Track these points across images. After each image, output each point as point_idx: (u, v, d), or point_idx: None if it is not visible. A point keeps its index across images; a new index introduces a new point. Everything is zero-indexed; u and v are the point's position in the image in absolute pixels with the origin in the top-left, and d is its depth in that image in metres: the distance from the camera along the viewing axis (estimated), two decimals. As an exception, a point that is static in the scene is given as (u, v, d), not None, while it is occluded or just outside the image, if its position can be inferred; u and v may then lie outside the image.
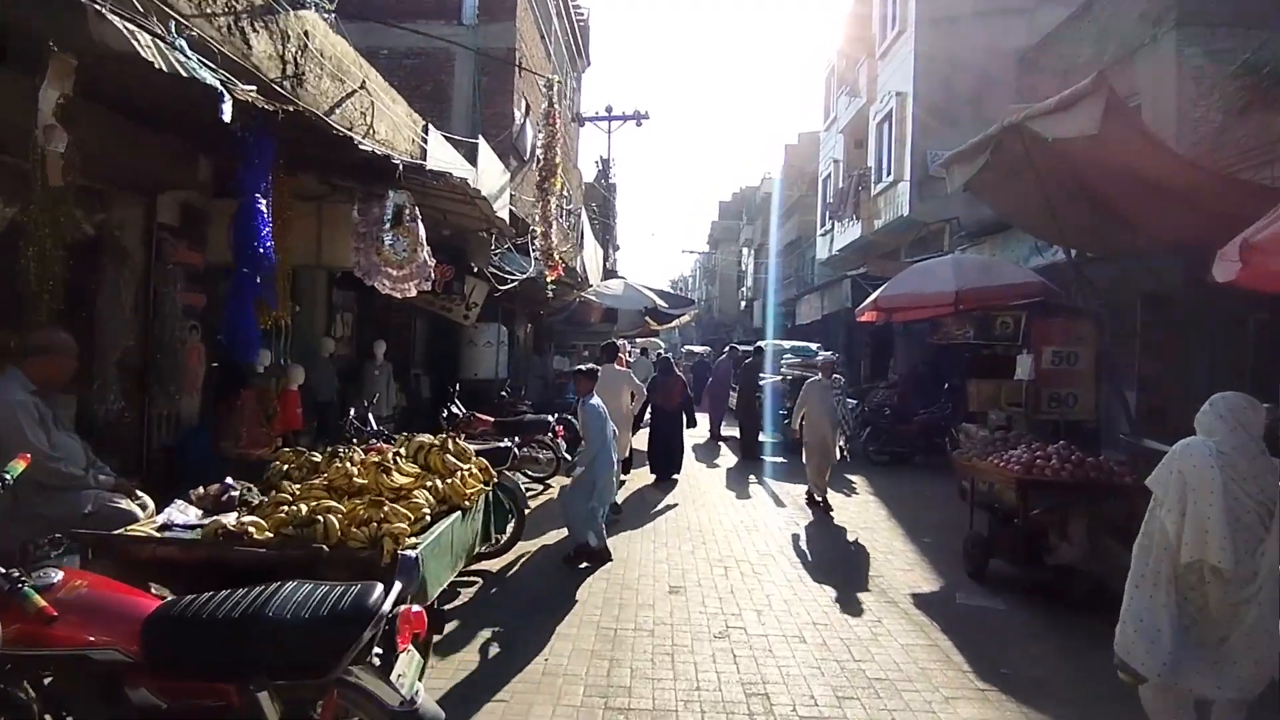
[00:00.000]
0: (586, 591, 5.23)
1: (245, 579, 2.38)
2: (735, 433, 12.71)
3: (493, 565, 5.68)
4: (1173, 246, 6.49)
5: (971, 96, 13.31)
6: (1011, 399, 8.26)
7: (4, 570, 2.09)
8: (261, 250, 4.37)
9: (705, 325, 47.12)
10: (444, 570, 3.34)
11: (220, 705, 2.12)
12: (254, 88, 4.14)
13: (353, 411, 6.13)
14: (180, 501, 3.31)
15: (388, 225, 5.66)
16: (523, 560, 5.96)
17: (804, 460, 8.42)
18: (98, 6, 3.05)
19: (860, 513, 8.20)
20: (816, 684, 3.85)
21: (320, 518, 2.91)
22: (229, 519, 2.99)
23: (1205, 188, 5.17)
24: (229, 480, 3.55)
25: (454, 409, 8.41)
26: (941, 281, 8.49)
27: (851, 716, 3.53)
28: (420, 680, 2.66)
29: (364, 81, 7.06)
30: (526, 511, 6.05)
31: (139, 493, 3.53)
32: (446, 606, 4.68)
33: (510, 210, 8.87)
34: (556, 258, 10.25)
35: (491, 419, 8.51)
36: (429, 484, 3.62)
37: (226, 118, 3.69)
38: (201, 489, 3.52)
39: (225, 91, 3.71)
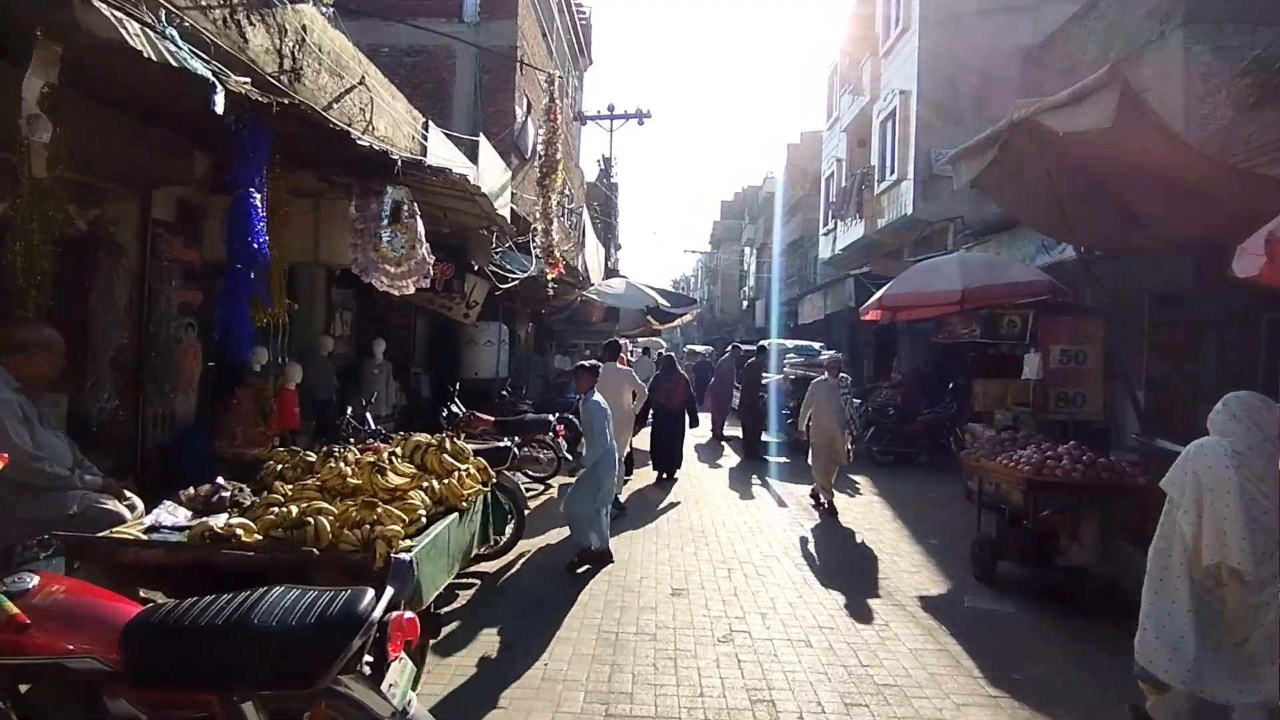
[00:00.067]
0: (587, 594, 5.14)
1: (234, 583, 2.29)
2: (738, 433, 12.61)
3: (491, 567, 5.59)
4: (1182, 244, 6.40)
5: (976, 95, 13.23)
6: (1018, 398, 8.17)
7: (-25, 575, 2.01)
8: (256, 246, 4.28)
9: (707, 325, 47.03)
10: (440, 573, 3.25)
11: (203, 716, 2.02)
12: (248, 79, 4.05)
13: (350, 410, 6.05)
14: (169, 502, 3.22)
15: (385, 221, 5.58)
16: (522, 561, 5.87)
17: (809, 461, 8.31)
18: (83, -8, 2.96)
19: (865, 514, 8.10)
20: (823, 690, 3.75)
21: (311, 519, 2.81)
22: (218, 521, 2.89)
23: (1220, 182, 5.06)
24: (220, 480, 3.45)
25: (454, 408, 8.33)
26: (947, 280, 8.39)
27: (859, 724, 3.44)
28: (414, 689, 2.58)
29: (363, 77, 6.96)
30: (526, 512, 5.96)
31: (127, 493, 3.43)
32: (444, 609, 4.59)
33: (511, 209, 8.78)
34: (557, 255, 10.16)
35: (492, 418, 8.43)
36: (425, 485, 3.53)
37: (219, 109, 3.61)
38: (192, 489, 3.42)
39: (217, 82, 3.62)
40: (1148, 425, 6.74)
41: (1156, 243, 6.48)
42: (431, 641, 3.64)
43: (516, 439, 6.56)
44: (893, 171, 15.51)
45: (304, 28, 5.96)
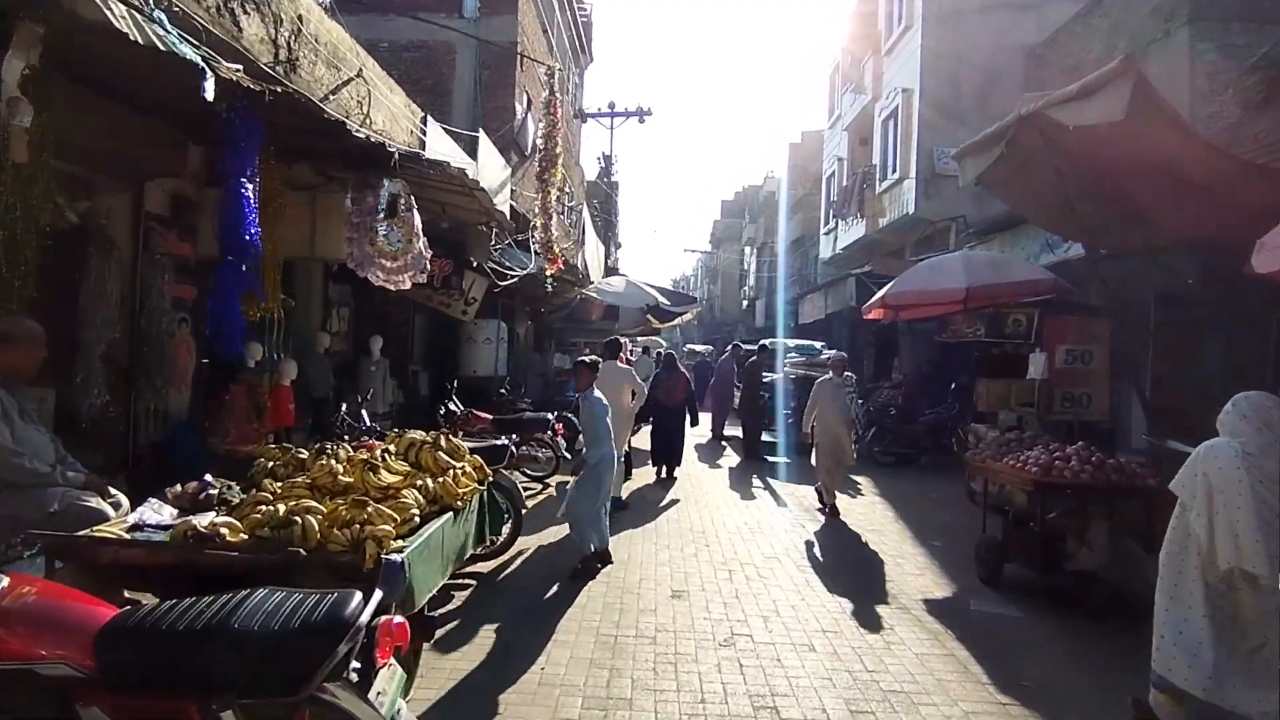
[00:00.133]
0: (585, 595, 5.04)
1: (220, 584, 2.19)
2: (738, 432, 12.50)
3: (488, 567, 5.49)
4: (1189, 242, 6.30)
5: (978, 93, 13.16)
6: (1022, 399, 8.07)
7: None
8: (247, 238, 4.18)
9: (707, 325, 46.95)
10: (433, 575, 3.14)
11: (181, 725, 1.92)
12: (239, 66, 3.95)
13: (344, 407, 5.95)
14: (154, 500, 3.11)
15: (382, 215, 5.48)
16: (520, 561, 5.77)
17: (813, 462, 8.19)
18: (67, -28, 2.87)
19: (867, 514, 8.00)
20: (828, 696, 3.65)
21: (298, 518, 2.70)
22: (201, 519, 2.79)
23: (1232, 177, 4.96)
24: (208, 477, 3.35)
25: (451, 406, 8.23)
26: (951, 278, 8.29)
27: (865, 732, 3.34)
28: (404, 697, 2.48)
29: (360, 70, 6.86)
30: (524, 511, 5.86)
31: (112, 490, 3.33)
32: (438, 611, 4.48)
33: (511, 205, 8.68)
34: (556, 250, 10.06)
35: (490, 416, 8.35)
36: (419, 483, 3.42)
37: (209, 95, 3.51)
38: (179, 487, 3.32)
39: (207, 68, 3.52)
40: (1156, 426, 6.66)
41: (1163, 241, 6.39)
42: (425, 645, 3.54)
43: (515, 437, 6.47)
44: (895, 170, 15.43)
45: (300, 17, 5.86)
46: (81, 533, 2.72)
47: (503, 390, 11.36)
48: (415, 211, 5.63)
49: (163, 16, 3.53)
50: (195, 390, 5.93)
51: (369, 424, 5.94)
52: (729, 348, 17.00)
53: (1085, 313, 7.71)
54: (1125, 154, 5.20)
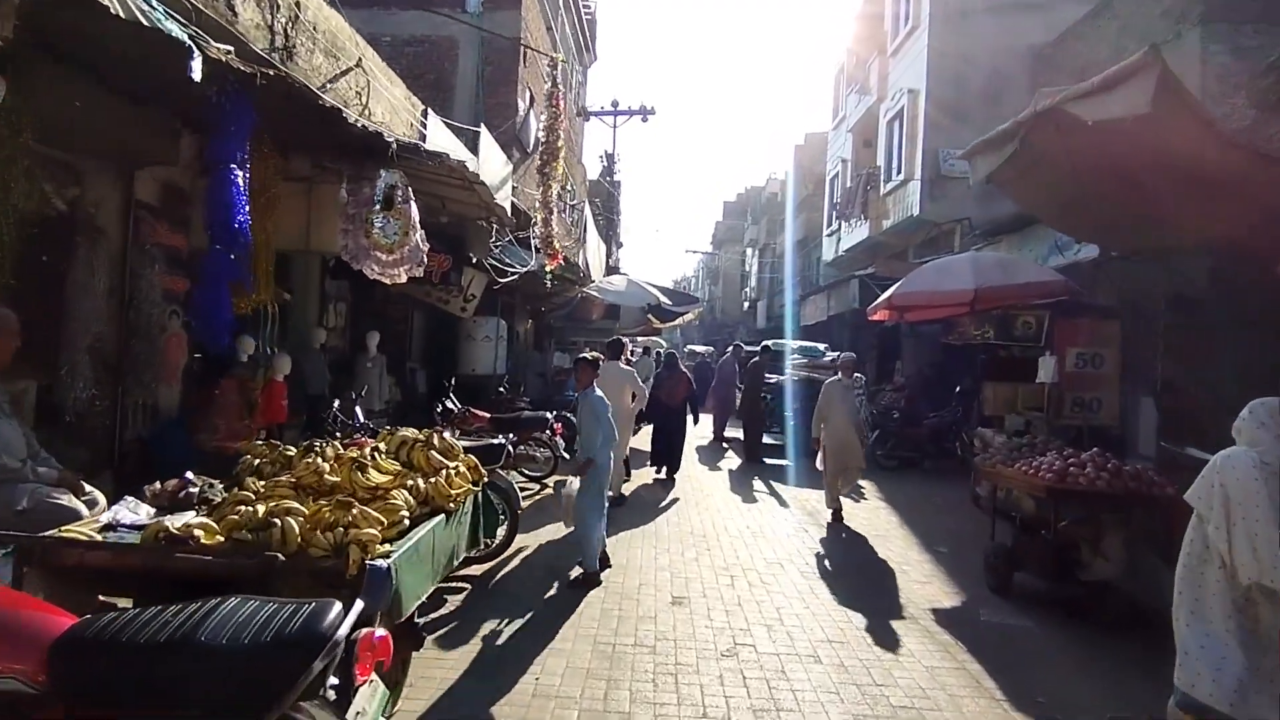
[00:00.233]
0: (583, 601, 4.88)
1: (198, 590, 2.04)
2: (739, 434, 12.34)
3: (481, 570, 5.33)
4: (1208, 243, 6.15)
5: (985, 94, 13.03)
6: (1029, 403, 7.93)
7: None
8: (236, 226, 4.02)
9: (708, 326, 46.83)
10: (422, 581, 2.98)
11: (142, 745, 1.77)
12: (230, 48, 3.80)
13: (337, 403, 5.79)
14: (130, 498, 2.95)
15: (378, 207, 5.33)
16: (515, 565, 5.61)
17: (819, 465, 8.00)
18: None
19: (871, 519, 7.85)
20: (835, 711, 3.49)
21: (278, 520, 2.54)
22: (178, 520, 2.63)
23: (1257, 174, 4.80)
24: (189, 475, 3.19)
25: (449, 404, 8.07)
26: (959, 279, 8.12)
27: (875, 749, 3.18)
28: (392, 709, 2.32)
29: (360, 60, 6.72)
30: (520, 512, 5.70)
31: (87, 487, 3.18)
32: (429, 616, 4.32)
33: (512, 202, 8.53)
34: (556, 246, 9.90)
35: (487, 415, 8.19)
36: (410, 483, 3.26)
37: (196, 76, 3.36)
38: (158, 484, 3.16)
39: (195, 47, 3.37)
40: (1171, 432, 6.50)
41: (1179, 241, 6.24)
42: (414, 654, 3.38)
43: (513, 436, 6.31)
44: (899, 172, 15.29)
45: (298, 4, 5.72)
46: (48, 533, 2.55)
47: (501, 389, 11.20)
48: (412, 204, 5.47)
49: (149, -7, 3.38)
50: (187, 385, 5.77)
51: (362, 421, 5.78)
52: (730, 348, 16.83)
53: (1097, 315, 7.57)
54: (1143, 151, 5.04)
